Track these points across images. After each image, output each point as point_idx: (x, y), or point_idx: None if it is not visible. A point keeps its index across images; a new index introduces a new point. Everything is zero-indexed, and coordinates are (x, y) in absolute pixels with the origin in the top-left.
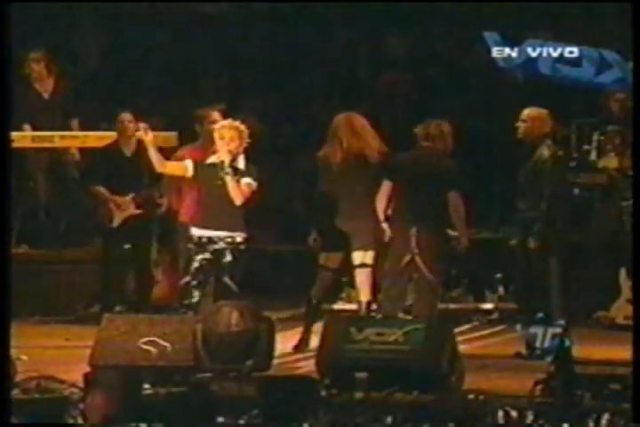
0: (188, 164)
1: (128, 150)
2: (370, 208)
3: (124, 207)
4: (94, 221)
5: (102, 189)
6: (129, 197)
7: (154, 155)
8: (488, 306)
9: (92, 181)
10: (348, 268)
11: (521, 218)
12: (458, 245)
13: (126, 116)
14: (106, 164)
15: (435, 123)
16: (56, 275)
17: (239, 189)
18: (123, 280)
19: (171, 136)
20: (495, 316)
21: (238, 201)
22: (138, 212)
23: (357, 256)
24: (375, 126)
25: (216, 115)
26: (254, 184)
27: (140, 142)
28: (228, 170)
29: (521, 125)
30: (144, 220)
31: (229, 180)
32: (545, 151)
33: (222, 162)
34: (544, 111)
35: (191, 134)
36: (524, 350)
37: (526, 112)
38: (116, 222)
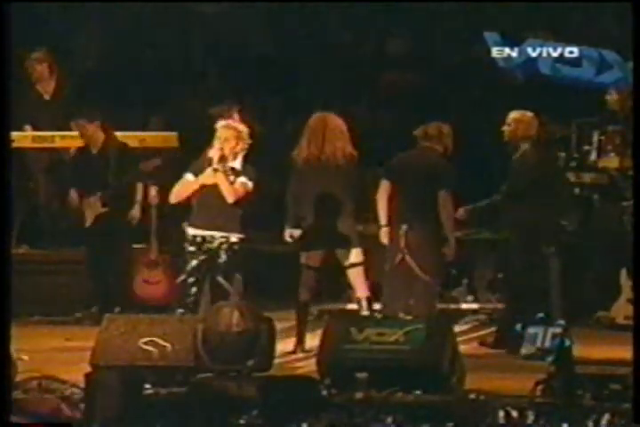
0: (189, 177)
1: (94, 149)
2: (347, 207)
3: (93, 206)
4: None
5: (71, 191)
6: (96, 196)
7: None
8: (489, 306)
9: (65, 182)
10: (331, 266)
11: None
12: (446, 251)
13: (79, 122)
14: (76, 164)
15: (434, 124)
16: (56, 275)
17: (232, 188)
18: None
19: (171, 136)
20: (495, 316)
21: (230, 199)
22: (104, 210)
23: (343, 256)
24: (373, 127)
25: (235, 114)
26: (250, 184)
27: (108, 140)
28: (217, 166)
29: (506, 129)
30: (114, 218)
31: (220, 177)
32: (518, 154)
33: (210, 159)
34: (529, 114)
35: (191, 134)
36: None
37: (511, 115)
38: (88, 222)
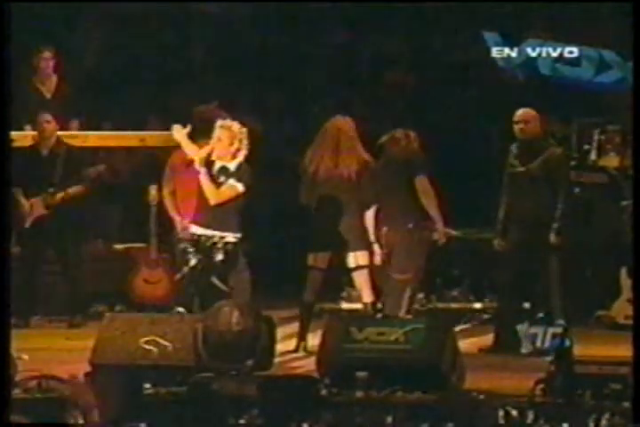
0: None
1: (45, 150)
2: (354, 210)
3: (34, 208)
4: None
5: (16, 190)
6: (39, 198)
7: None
8: (490, 305)
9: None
10: (338, 267)
11: (524, 216)
12: (437, 235)
13: (45, 117)
14: (23, 164)
15: (398, 131)
16: (56, 274)
17: (215, 191)
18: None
19: (170, 136)
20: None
21: (212, 201)
22: (44, 213)
23: (350, 259)
24: (372, 126)
25: (220, 112)
26: (239, 186)
27: (58, 142)
28: (200, 169)
29: (522, 127)
30: (53, 221)
31: (202, 178)
32: (557, 150)
33: (192, 160)
34: (535, 111)
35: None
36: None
37: (524, 113)
38: (27, 223)
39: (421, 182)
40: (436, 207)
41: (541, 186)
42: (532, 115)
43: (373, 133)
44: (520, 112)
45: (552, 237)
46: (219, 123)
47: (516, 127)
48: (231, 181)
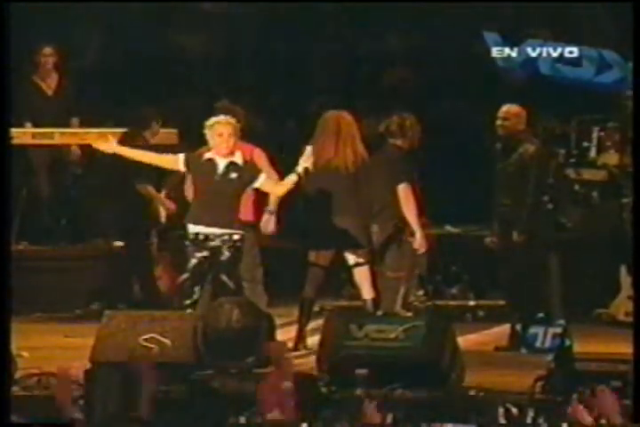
0: (180, 157)
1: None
2: (354, 207)
3: (168, 204)
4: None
5: (149, 187)
6: (163, 193)
7: (134, 153)
8: (489, 303)
9: (138, 179)
10: (339, 265)
11: (503, 213)
12: (415, 245)
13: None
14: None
15: (395, 117)
16: (56, 272)
17: (281, 183)
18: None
19: (171, 133)
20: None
21: (280, 193)
22: (174, 207)
23: (350, 256)
24: (371, 125)
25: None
26: (294, 175)
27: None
28: (261, 178)
29: (503, 123)
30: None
31: (264, 181)
32: (531, 147)
33: (242, 164)
34: (520, 108)
35: (191, 131)
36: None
37: (507, 109)
38: (163, 218)
39: (402, 190)
40: (414, 216)
41: (515, 183)
42: (512, 112)
43: (370, 132)
44: (502, 108)
45: (515, 236)
46: (220, 119)
47: (497, 124)
48: (263, 177)
